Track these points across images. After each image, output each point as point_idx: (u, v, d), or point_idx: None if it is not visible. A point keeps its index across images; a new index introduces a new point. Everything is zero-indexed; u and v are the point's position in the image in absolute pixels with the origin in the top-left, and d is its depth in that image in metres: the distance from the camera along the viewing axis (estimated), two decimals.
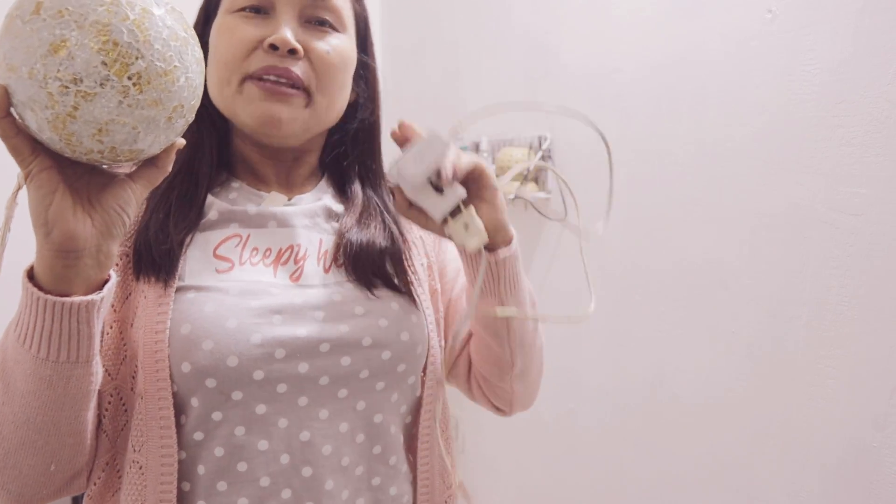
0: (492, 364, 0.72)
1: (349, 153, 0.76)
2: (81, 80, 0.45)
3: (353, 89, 0.73)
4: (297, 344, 0.61)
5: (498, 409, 0.80)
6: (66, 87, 0.45)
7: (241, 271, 0.64)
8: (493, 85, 2.09)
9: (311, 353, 0.62)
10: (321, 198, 0.73)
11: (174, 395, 0.60)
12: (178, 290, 0.62)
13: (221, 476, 0.61)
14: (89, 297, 0.51)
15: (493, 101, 2.09)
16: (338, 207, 0.73)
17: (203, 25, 0.71)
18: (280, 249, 0.67)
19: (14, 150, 0.47)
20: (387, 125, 0.72)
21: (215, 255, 0.65)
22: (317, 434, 0.63)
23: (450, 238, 0.64)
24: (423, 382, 0.71)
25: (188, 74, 0.50)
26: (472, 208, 0.61)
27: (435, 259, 0.79)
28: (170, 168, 0.53)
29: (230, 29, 0.65)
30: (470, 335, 0.76)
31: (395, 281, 0.70)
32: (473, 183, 0.61)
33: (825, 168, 1.22)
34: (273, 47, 0.63)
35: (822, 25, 1.20)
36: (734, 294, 1.40)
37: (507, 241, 0.64)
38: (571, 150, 1.76)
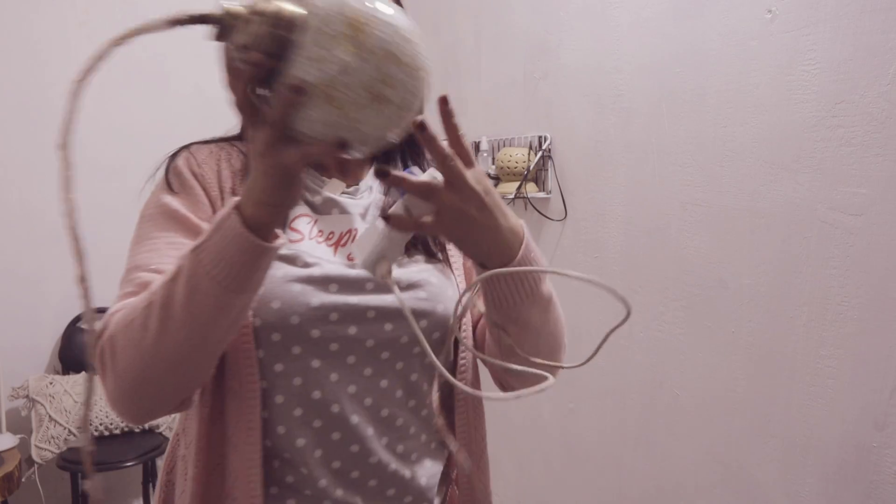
0: None
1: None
2: None
3: None
4: (348, 309, 0.73)
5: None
6: None
7: (308, 244, 0.76)
8: (493, 85, 2.09)
9: (360, 319, 0.74)
10: (372, 187, 0.84)
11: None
12: None
13: (284, 418, 0.74)
14: (280, 241, 0.61)
15: (493, 101, 2.09)
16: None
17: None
18: (340, 233, 0.79)
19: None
20: None
21: (290, 227, 0.77)
22: (361, 388, 0.75)
23: None
24: (456, 350, 0.82)
25: None
26: None
27: None
28: None
29: None
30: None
31: (438, 255, 0.83)
32: None
33: (825, 168, 1.22)
34: None
35: (822, 25, 1.20)
36: (734, 294, 1.40)
37: None
38: (571, 150, 1.76)
